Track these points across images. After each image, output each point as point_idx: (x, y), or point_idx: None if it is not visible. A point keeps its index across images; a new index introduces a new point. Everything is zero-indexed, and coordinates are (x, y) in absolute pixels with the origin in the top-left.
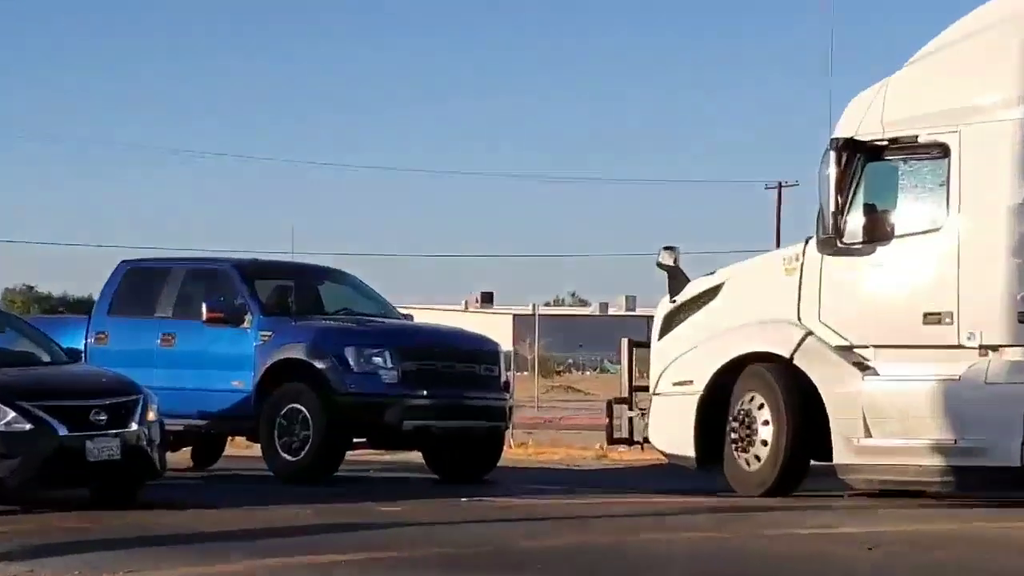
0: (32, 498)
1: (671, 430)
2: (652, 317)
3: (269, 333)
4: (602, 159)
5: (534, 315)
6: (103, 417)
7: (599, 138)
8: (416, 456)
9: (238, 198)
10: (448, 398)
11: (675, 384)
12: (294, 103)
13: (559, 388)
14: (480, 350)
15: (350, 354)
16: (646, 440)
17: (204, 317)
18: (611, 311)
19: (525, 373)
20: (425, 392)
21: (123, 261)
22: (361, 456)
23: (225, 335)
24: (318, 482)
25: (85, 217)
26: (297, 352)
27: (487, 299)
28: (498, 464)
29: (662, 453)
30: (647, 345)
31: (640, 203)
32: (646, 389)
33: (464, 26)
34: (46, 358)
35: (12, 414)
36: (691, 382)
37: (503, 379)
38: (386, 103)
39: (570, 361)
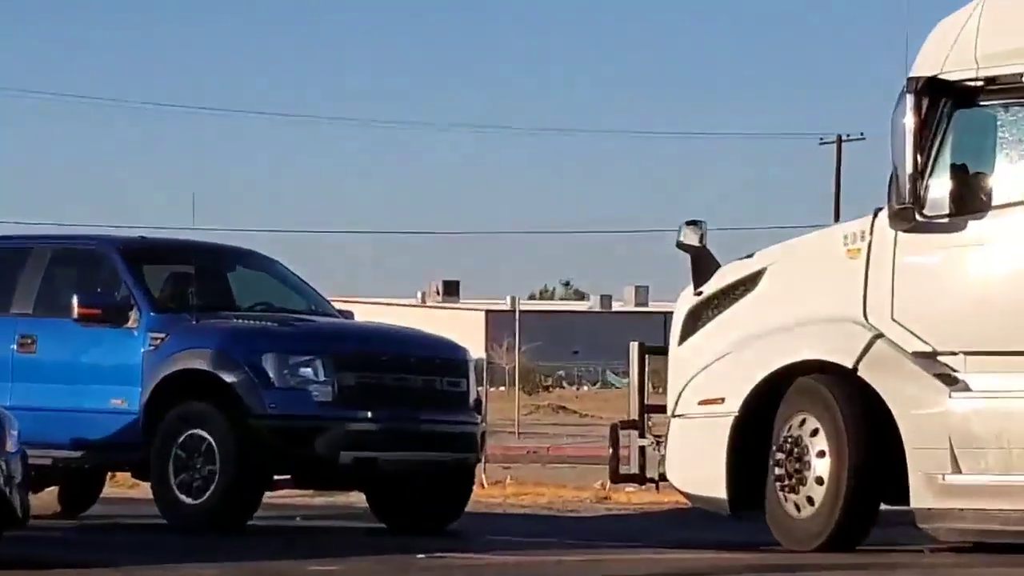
0: None
1: (696, 464)
2: (670, 314)
3: (162, 335)
4: (609, 106)
5: (514, 311)
6: None
7: (603, 80)
8: (357, 498)
9: (118, 155)
10: (399, 421)
11: (701, 403)
12: (186, 29)
13: (547, 408)
14: (442, 358)
15: (270, 363)
16: (662, 477)
17: (75, 314)
18: (616, 306)
19: (502, 388)
20: (369, 413)
21: None
22: (283, 498)
23: (103, 338)
24: (227, 532)
25: None
26: (199, 361)
27: (451, 290)
28: (466, 509)
29: (684, 494)
30: (664, 352)
31: (656, 166)
32: (662, 410)
33: None
34: None
35: None
36: (722, 400)
37: (473, 396)
38: (321, 24)
39: (561, 373)
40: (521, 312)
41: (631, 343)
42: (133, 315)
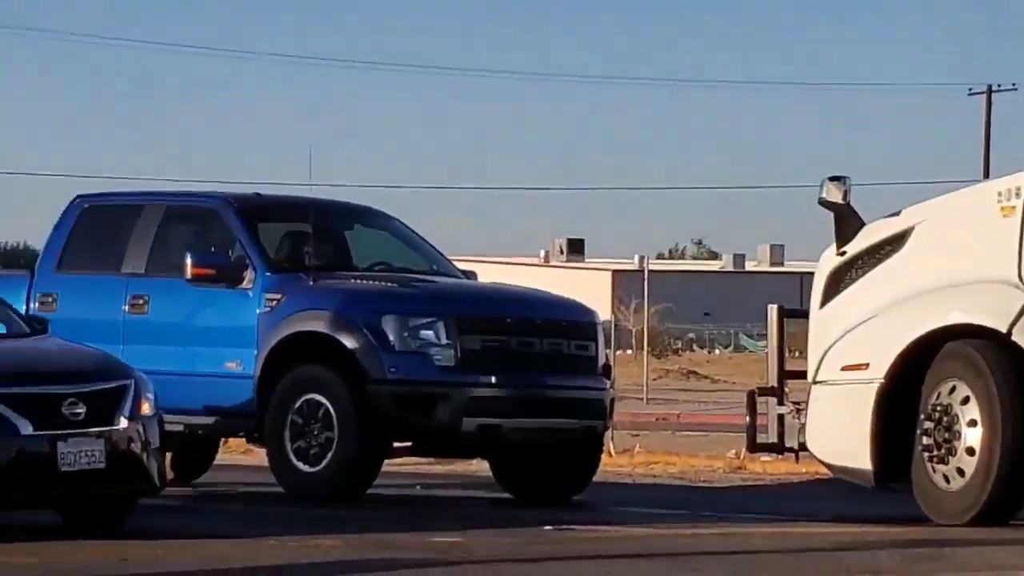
0: None
1: (838, 433)
2: (807, 274)
3: (278, 296)
4: (740, 57)
5: (642, 271)
6: (81, 410)
7: (735, 32)
8: (479, 466)
9: (235, 110)
10: (524, 387)
11: (844, 369)
12: None
13: (677, 372)
14: (569, 321)
15: (390, 326)
16: (802, 447)
17: (188, 274)
18: (749, 266)
19: (629, 352)
20: (493, 379)
21: (78, 196)
22: (403, 466)
23: (217, 299)
24: (345, 501)
25: (14, 135)
26: (316, 323)
27: (575, 249)
28: (594, 479)
29: (825, 464)
30: (804, 314)
31: (794, 118)
32: (802, 375)
33: None
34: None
35: None
36: (866, 366)
37: (602, 360)
38: None
39: (692, 336)
40: (650, 272)
41: (769, 306)
42: (248, 275)
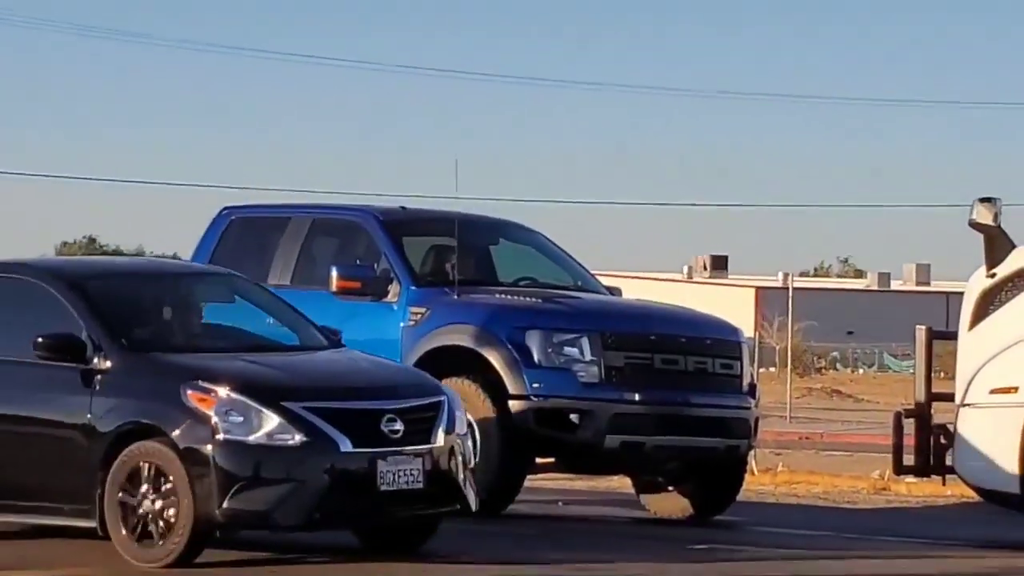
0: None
1: (986, 456)
2: (953, 294)
3: (423, 310)
4: (891, 74)
5: (786, 288)
6: (399, 427)
7: (883, 47)
8: (621, 483)
9: (379, 120)
10: (669, 404)
11: (993, 391)
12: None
13: (820, 391)
14: (714, 339)
15: (534, 341)
16: (949, 469)
17: (334, 286)
18: (895, 285)
19: (772, 369)
20: (637, 396)
21: (226, 208)
22: (544, 481)
23: (362, 311)
24: (488, 517)
25: (164, 147)
26: (460, 337)
27: (719, 265)
28: (737, 498)
29: (972, 487)
30: (952, 336)
31: (944, 136)
32: (949, 397)
33: None
34: (295, 341)
35: (276, 421)
36: (1016, 389)
37: (747, 379)
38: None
39: (836, 354)
40: (794, 289)
41: (917, 326)
42: (393, 288)
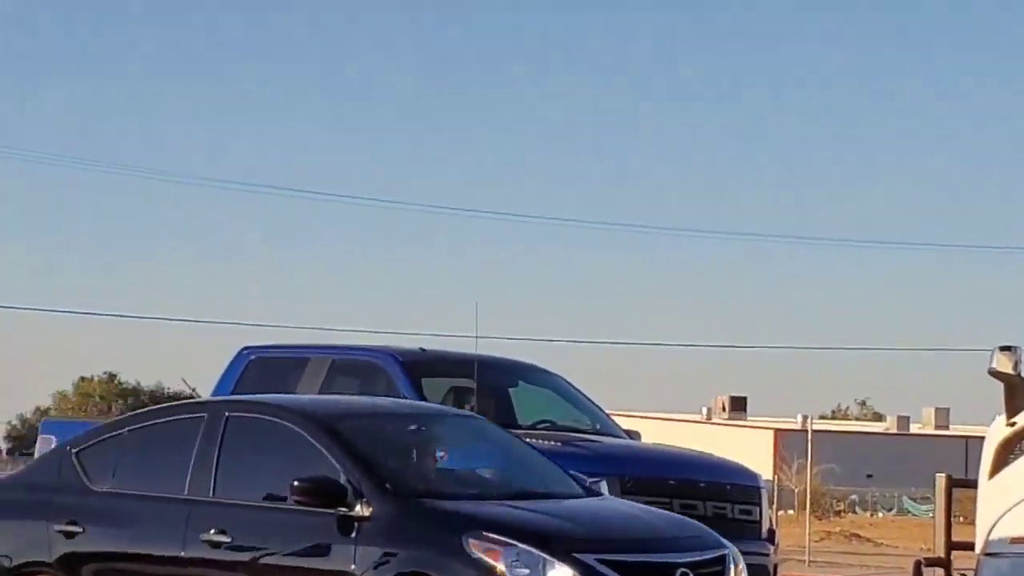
0: None
1: None
2: (972, 439)
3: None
4: (913, 219)
5: (805, 431)
6: None
7: (902, 193)
8: None
9: (397, 259)
10: None
11: (1014, 541)
12: (452, 135)
13: (839, 535)
14: (733, 484)
15: None
16: None
17: None
18: (914, 429)
19: (791, 512)
20: None
21: (245, 348)
22: None
23: None
24: None
25: (186, 284)
26: None
27: (738, 406)
28: None
29: None
30: (972, 484)
31: (964, 281)
32: (969, 546)
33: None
34: (550, 487)
35: (569, 573)
36: None
37: (766, 524)
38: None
39: (855, 497)
40: (813, 432)
41: (937, 474)
42: None
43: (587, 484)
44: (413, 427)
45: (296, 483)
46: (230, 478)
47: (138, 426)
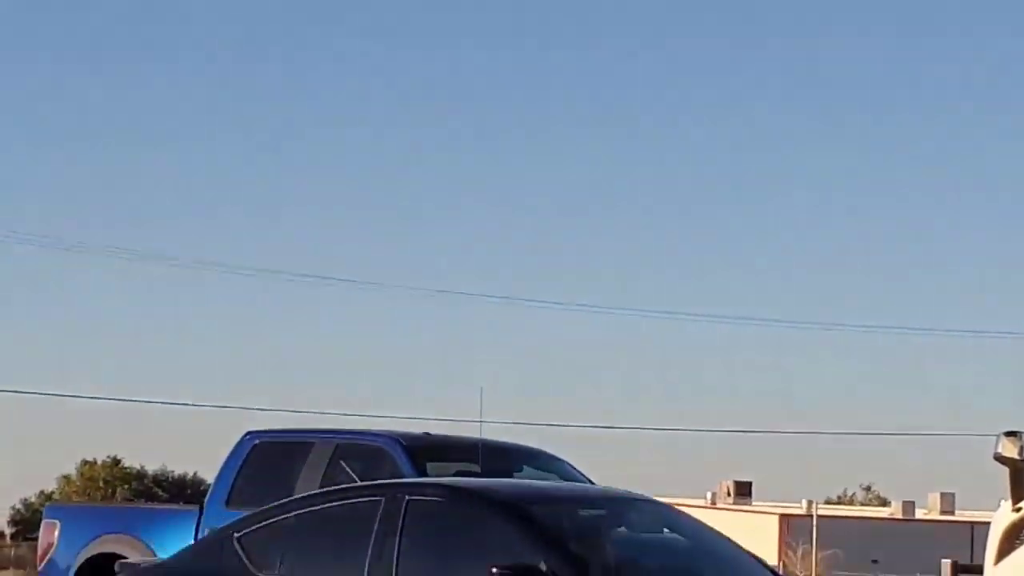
0: None
1: None
2: (977, 524)
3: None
4: (927, 306)
5: (810, 516)
6: None
7: (911, 275)
8: None
9: (402, 341)
10: None
11: None
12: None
13: None
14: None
15: None
16: None
17: None
18: (919, 514)
19: None
20: None
21: (249, 433)
22: None
23: None
24: None
25: (188, 366)
26: None
27: (743, 491)
28: None
29: None
30: (978, 570)
31: (965, 366)
32: None
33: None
34: None
35: None
36: None
37: None
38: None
39: None
40: (818, 517)
41: (942, 560)
42: None
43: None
44: (601, 512)
45: (495, 570)
46: (413, 566)
47: (307, 510)
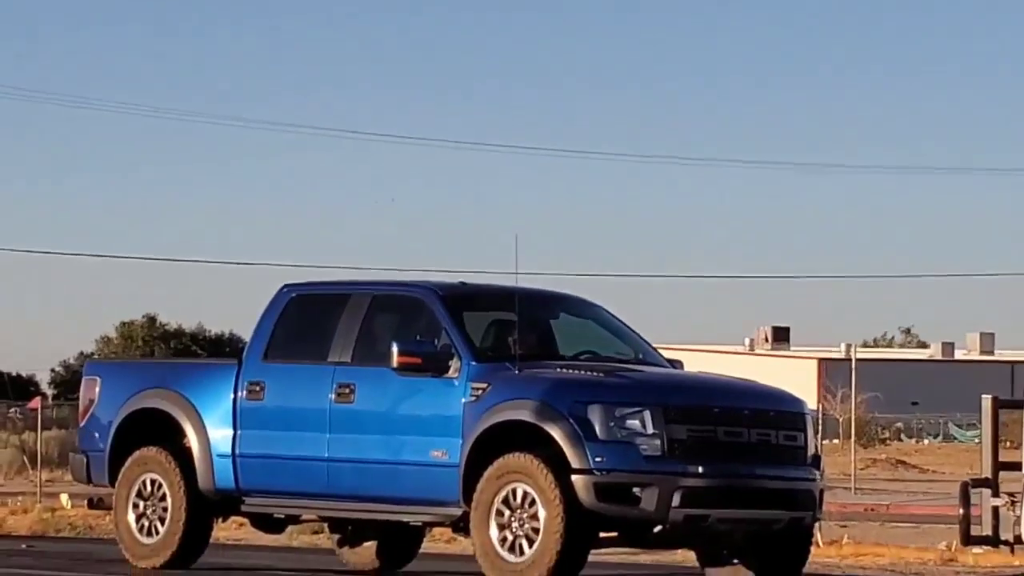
0: None
1: None
2: (1017, 364)
3: (484, 385)
4: (959, 143)
5: (849, 360)
6: None
7: (947, 118)
8: (685, 556)
9: (433, 195)
10: (732, 477)
11: None
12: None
13: (885, 462)
14: (777, 410)
15: (596, 415)
16: (1017, 540)
17: (395, 362)
18: (959, 355)
19: (836, 441)
20: (701, 468)
21: (286, 286)
22: (608, 555)
23: (423, 387)
24: None
25: (222, 225)
26: (522, 412)
27: (781, 337)
28: (803, 570)
29: None
30: (1019, 404)
31: (1004, 206)
32: (1016, 467)
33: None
34: None
35: None
36: None
37: (811, 450)
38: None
39: (900, 425)
40: (857, 360)
41: (982, 396)
42: (454, 364)
43: None
44: None
45: None
46: None
47: None
